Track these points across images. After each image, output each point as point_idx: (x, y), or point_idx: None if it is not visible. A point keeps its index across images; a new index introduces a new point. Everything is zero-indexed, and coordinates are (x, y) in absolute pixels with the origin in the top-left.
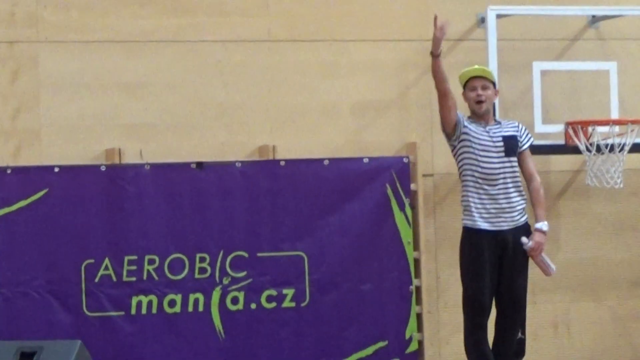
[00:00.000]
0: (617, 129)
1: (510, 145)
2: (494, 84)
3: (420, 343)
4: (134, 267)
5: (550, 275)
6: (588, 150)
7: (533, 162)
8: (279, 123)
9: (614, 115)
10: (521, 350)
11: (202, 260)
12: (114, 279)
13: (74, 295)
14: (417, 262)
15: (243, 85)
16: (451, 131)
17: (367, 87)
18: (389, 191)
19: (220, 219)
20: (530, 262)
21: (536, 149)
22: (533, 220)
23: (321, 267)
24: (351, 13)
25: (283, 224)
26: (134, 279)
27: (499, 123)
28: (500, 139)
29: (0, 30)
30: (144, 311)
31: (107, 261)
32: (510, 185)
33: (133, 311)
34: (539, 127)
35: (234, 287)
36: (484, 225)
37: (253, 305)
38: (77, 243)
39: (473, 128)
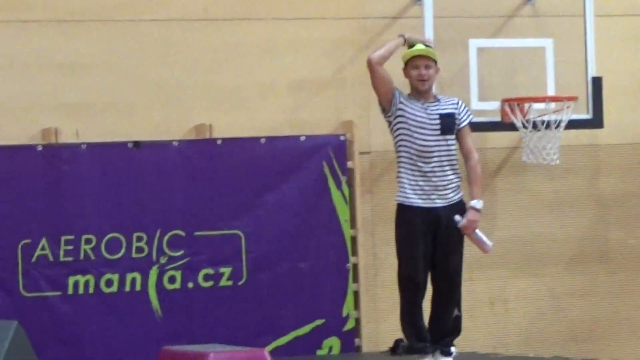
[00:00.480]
0: (553, 105)
1: (447, 124)
2: (435, 62)
3: (358, 321)
4: (70, 247)
5: (487, 251)
6: (524, 127)
7: (472, 140)
8: (216, 102)
9: (550, 92)
10: (457, 328)
11: (139, 239)
12: (51, 258)
13: (10, 276)
14: (354, 240)
15: (180, 65)
16: (387, 105)
17: (304, 65)
18: (326, 169)
19: (158, 198)
20: (467, 240)
21: (473, 126)
22: (469, 198)
23: (258, 245)
24: None
25: (220, 202)
26: (70, 258)
27: (438, 100)
28: (437, 116)
29: None
30: (80, 291)
31: (43, 241)
32: (445, 163)
33: (70, 291)
34: (476, 104)
35: (171, 266)
36: (417, 202)
37: (190, 284)
38: (14, 223)
39: (410, 105)
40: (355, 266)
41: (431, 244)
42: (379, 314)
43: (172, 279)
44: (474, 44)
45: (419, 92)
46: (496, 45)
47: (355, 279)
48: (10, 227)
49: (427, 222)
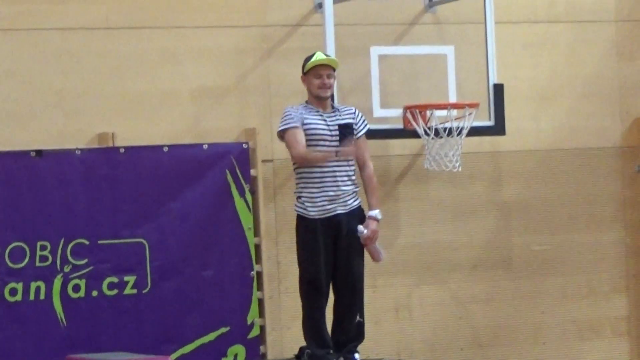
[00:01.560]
0: (454, 112)
1: (345, 134)
2: (334, 71)
3: (262, 328)
4: None
5: (380, 261)
6: (426, 134)
7: (367, 149)
8: (118, 110)
9: (452, 99)
10: (360, 333)
11: (43, 248)
12: None
13: None
14: (257, 247)
15: (81, 73)
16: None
17: (206, 73)
18: (229, 177)
19: (61, 207)
20: None
21: (375, 134)
22: (367, 208)
23: (162, 253)
24: (189, 0)
25: (123, 211)
26: None
27: (337, 110)
28: (336, 127)
29: None
30: None
31: None
32: (343, 172)
33: None
34: (378, 112)
35: (75, 274)
36: (316, 213)
37: (94, 293)
38: None
39: (309, 117)
40: (259, 274)
41: (332, 250)
42: (283, 322)
43: (76, 288)
44: (375, 51)
45: (320, 99)
46: (397, 52)
47: (260, 287)
48: None
49: (327, 229)
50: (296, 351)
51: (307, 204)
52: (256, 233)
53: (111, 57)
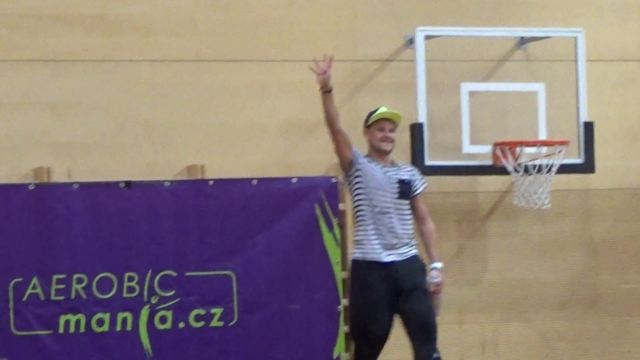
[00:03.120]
0: (544, 150)
1: (405, 190)
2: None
3: None
4: (62, 286)
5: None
6: (516, 171)
7: (425, 206)
8: (208, 143)
9: (542, 136)
10: None
11: (131, 279)
12: (42, 297)
13: (2, 314)
14: (345, 282)
15: (171, 105)
16: (347, 167)
17: (296, 107)
18: (318, 211)
19: (149, 238)
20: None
21: (464, 170)
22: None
23: (249, 286)
24: (279, 33)
25: (211, 243)
26: (62, 297)
27: (397, 166)
28: (396, 180)
29: None
30: (72, 330)
31: (35, 280)
32: (401, 222)
33: (61, 330)
34: (467, 148)
35: (162, 306)
36: (376, 256)
37: (181, 325)
38: (5, 262)
39: (369, 166)
40: (346, 308)
41: (391, 297)
42: None
43: (163, 319)
44: (466, 87)
45: (381, 152)
46: (488, 89)
47: (346, 321)
48: (2, 265)
49: (385, 276)
50: None
51: (367, 247)
52: (344, 267)
53: (201, 89)
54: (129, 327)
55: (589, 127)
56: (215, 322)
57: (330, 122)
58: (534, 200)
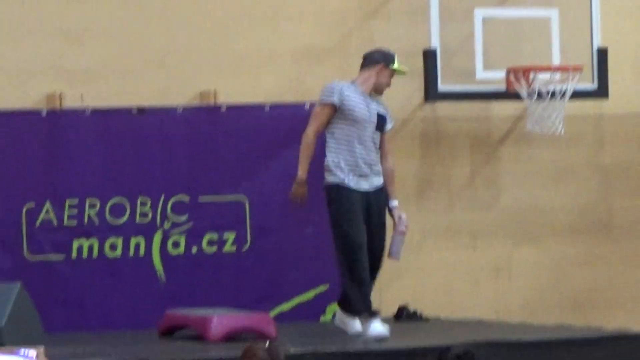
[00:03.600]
0: (558, 75)
1: (382, 123)
2: None
3: None
4: (74, 211)
5: (394, 259)
6: (529, 96)
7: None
8: (221, 68)
9: (555, 61)
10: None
11: (143, 204)
12: (55, 222)
13: (15, 239)
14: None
15: (184, 31)
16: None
17: (308, 33)
18: None
19: (162, 164)
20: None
21: (477, 95)
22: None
23: (262, 211)
24: None
25: (224, 168)
26: (74, 222)
27: (375, 99)
28: (376, 113)
29: None
30: (84, 255)
31: (47, 205)
32: (374, 154)
33: (74, 255)
34: (480, 74)
35: (175, 231)
36: (352, 185)
37: (194, 249)
38: (18, 187)
39: (354, 96)
40: None
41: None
42: (382, 280)
43: (175, 244)
44: (480, 13)
45: (375, 91)
46: (502, 14)
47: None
48: (15, 191)
49: (360, 200)
50: (395, 310)
51: (343, 173)
52: None
53: (215, 15)
54: (141, 252)
55: (602, 53)
56: (228, 247)
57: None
58: (547, 126)
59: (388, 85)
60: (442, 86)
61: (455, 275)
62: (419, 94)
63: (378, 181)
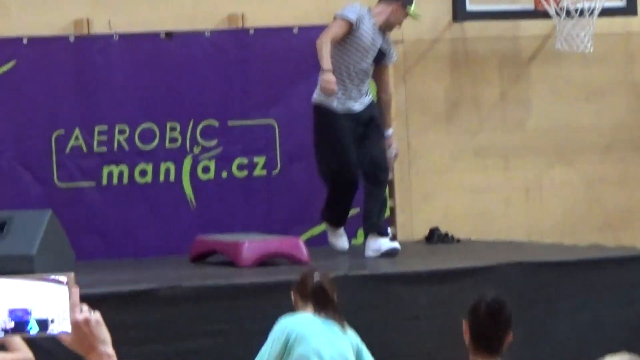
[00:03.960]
0: None
1: (380, 57)
2: None
3: (392, 210)
4: (104, 138)
5: None
6: (557, 14)
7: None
8: None
9: None
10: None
11: (173, 129)
12: (85, 149)
13: (45, 166)
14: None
15: None
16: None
17: None
18: None
19: (190, 89)
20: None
21: (505, 14)
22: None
23: (292, 135)
24: None
25: (253, 92)
26: (104, 149)
27: (381, 34)
28: (379, 47)
29: None
30: (115, 181)
31: (77, 132)
32: (365, 80)
33: (104, 181)
34: None
35: (204, 155)
36: (338, 107)
37: (224, 174)
38: (47, 114)
39: (366, 25)
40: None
41: (354, 139)
42: (413, 203)
43: (205, 169)
44: None
45: (385, 27)
46: None
47: (390, 168)
48: (44, 118)
49: (350, 121)
50: (426, 233)
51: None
52: None
53: None
54: (171, 178)
55: None
56: (258, 171)
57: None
58: (576, 43)
59: (399, 25)
60: (471, 5)
61: (486, 197)
62: (448, 13)
63: (368, 100)
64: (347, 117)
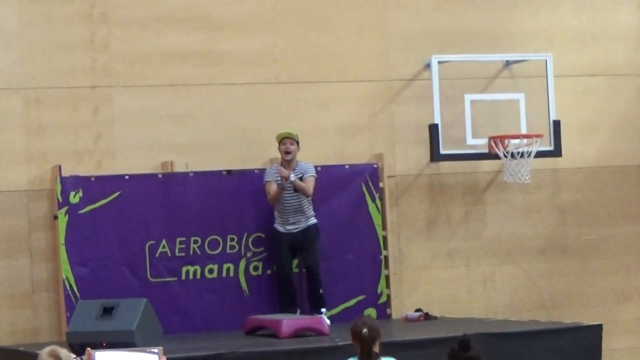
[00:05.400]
0: (525, 141)
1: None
2: (297, 142)
3: (389, 296)
4: (183, 246)
5: (287, 178)
6: (505, 156)
7: (312, 183)
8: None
9: (523, 131)
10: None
11: (232, 239)
12: (169, 254)
13: (141, 267)
14: (384, 238)
15: (259, 115)
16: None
17: (347, 114)
18: (364, 188)
19: (244, 210)
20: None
21: (468, 156)
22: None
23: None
24: (332, 60)
25: None
26: (183, 254)
27: (297, 167)
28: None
29: (84, 77)
30: (191, 277)
31: (164, 242)
32: (297, 208)
33: (183, 277)
34: (470, 141)
35: (255, 258)
36: (282, 229)
37: (269, 272)
38: (142, 229)
39: (270, 176)
40: (386, 257)
41: (292, 252)
42: (403, 291)
43: (256, 268)
44: (468, 97)
45: (287, 161)
46: (484, 98)
47: (386, 266)
48: (141, 232)
49: (289, 240)
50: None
51: (278, 221)
52: (383, 228)
53: (276, 102)
54: (231, 274)
55: (557, 124)
56: (294, 269)
57: (272, 199)
58: (518, 177)
59: (286, 150)
60: (443, 150)
61: (455, 286)
62: (426, 156)
63: (306, 223)
64: (288, 236)
